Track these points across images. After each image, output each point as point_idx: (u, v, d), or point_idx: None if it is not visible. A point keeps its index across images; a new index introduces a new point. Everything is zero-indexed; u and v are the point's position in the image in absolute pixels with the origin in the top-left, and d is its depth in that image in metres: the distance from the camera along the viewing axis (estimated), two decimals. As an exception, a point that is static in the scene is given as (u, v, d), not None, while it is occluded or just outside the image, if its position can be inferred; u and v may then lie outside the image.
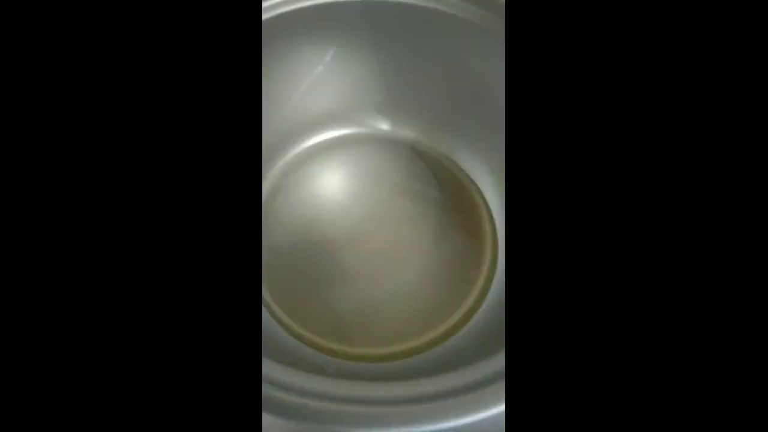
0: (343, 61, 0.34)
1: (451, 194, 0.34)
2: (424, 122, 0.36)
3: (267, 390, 0.18)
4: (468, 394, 0.18)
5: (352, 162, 0.36)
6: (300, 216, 0.33)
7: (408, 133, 0.36)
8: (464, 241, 0.33)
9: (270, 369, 0.19)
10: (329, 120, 0.36)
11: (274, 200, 0.34)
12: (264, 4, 0.29)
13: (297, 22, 0.30)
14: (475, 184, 0.34)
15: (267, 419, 0.17)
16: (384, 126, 0.37)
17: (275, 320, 0.29)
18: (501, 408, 0.18)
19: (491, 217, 0.33)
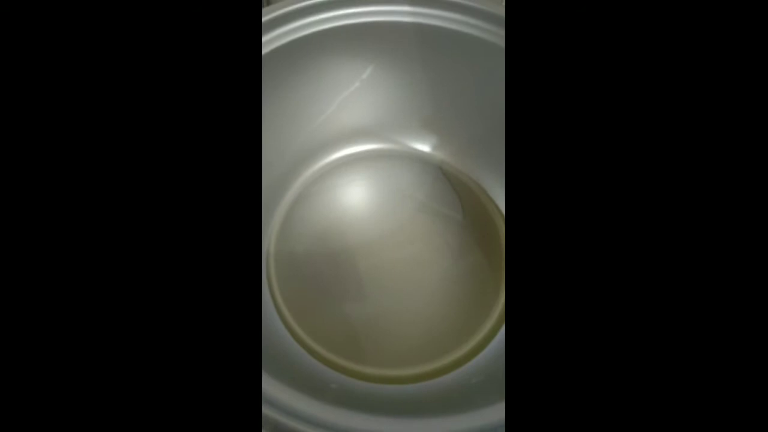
0: (380, 78, 0.34)
1: (474, 218, 0.34)
2: (455, 144, 0.36)
3: (264, 409, 0.18)
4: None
5: (378, 177, 0.36)
6: (321, 225, 0.33)
7: (437, 153, 0.36)
8: (484, 266, 0.32)
9: (269, 386, 0.19)
10: (360, 134, 0.36)
11: (297, 207, 0.34)
12: (308, 20, 0.30)
13: (339, 38, 0.31)
14: (500, 211, 0.34)
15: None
16: (414, 144, 0.37)
17: (285, 327, 0.30)
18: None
19: (513, 245, 0.33)
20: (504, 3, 0.29)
